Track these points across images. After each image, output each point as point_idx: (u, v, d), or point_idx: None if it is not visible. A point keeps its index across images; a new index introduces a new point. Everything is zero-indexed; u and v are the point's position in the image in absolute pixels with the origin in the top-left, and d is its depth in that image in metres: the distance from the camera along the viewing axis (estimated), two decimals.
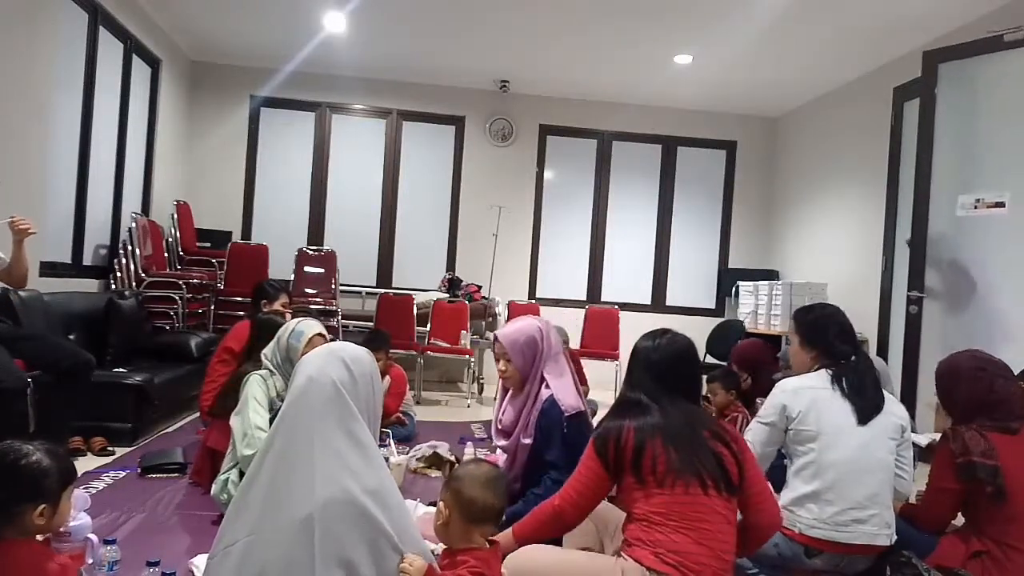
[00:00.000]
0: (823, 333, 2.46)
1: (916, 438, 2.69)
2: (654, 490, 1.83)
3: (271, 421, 2.64)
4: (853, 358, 2.39)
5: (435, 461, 3.58)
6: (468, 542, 1.77)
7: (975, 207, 4.24)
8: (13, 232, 3.14)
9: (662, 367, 2.01)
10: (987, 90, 4.26)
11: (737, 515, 1.92)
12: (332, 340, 2.68)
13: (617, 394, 2.16)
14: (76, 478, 1.76)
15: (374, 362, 1.83)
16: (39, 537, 1.69)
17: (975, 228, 4.20)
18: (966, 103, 4.32)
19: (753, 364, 4.13)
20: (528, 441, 2.58)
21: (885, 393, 2.38)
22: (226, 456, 2.78)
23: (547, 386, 2.56)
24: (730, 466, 1.88)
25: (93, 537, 2.10)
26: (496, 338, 2.66)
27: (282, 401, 2.69)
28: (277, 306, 4.01)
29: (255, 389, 2.75)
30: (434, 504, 2.64)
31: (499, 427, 2.72)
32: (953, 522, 2.37)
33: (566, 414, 2.48)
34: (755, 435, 2.39)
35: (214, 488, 2.73)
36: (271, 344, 2.93)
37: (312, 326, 2.89)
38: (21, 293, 3.69)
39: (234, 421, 2.71)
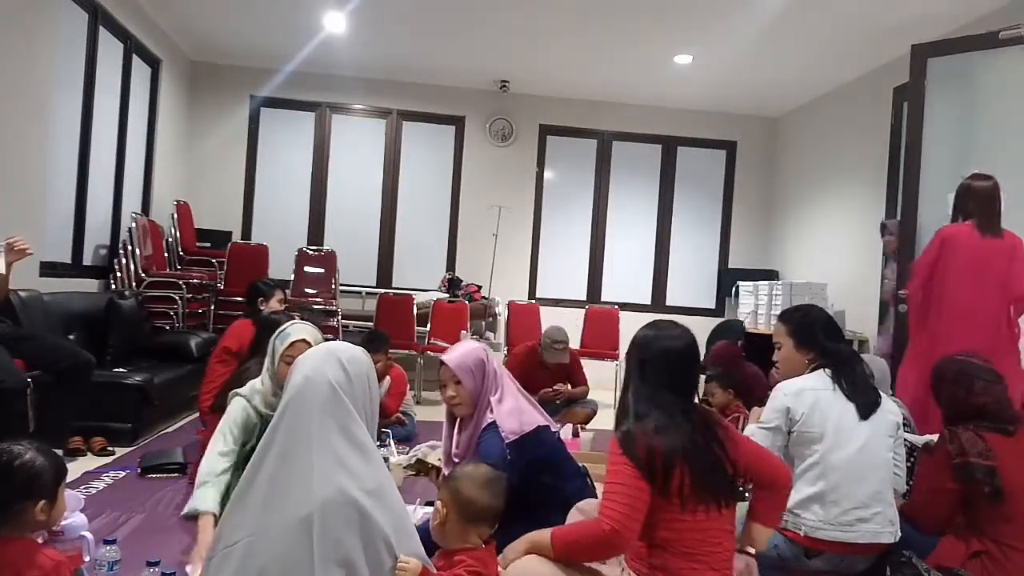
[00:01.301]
0: (815, 333, 2.45)
1: (913, 439, 2.70)
2: (677, 515, 1.76)
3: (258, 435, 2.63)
4: (840, 355, 2.39)
5: (421, 467, 3.51)
6: (465, 542, 1.78)
7: None
8: (11, 253, 3.10)
9: (678, 364, 1.91)
10: (980, 87, 4.26)
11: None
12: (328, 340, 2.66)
13: (621, 389, 2.01)
14: (67, 473, 1.80)
15: (370, 361, 1.83)
16: (39, 540, 1.71)
17: None
18: (959, 100, 4.31)
19: (729, 361, 4.27)
20: None
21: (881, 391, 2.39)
22: None
23: (491, 411, 2.49)
24: (733, 475, 1.85)
25: (88, 535, 2.11)
26: (443, 363, 2.57)
27: (268, 408, 2.68)
28: (274, 303, 4.00)
29: (233, 415, 2.68)
30: (432, 504, 2.63)
31: (455, 460, 2.66)
32: None
33: (507, 440, 2.39)
34: (758, 440, 2.37)
35: None
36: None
37: (300, 330, 2.80)
38: (21, 293, 3.70)
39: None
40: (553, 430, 2.65)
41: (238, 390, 2.78)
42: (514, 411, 2.51)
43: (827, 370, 2.36)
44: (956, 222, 3.41)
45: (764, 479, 1.96)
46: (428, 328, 6.37)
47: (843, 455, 2.22)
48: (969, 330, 3.18)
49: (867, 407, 2.28)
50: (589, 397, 5.05)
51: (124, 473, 3.40)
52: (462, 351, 2.59)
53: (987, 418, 2.27)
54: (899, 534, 2.22)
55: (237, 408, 2.70)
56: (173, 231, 6.45)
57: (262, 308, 3.94)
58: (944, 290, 3.30)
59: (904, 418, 2.70)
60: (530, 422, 2.49)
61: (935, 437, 2.58)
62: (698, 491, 1.76)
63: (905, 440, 2.53)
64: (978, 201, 3.33)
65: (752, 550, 2.04)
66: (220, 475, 2.49)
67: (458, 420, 2.63)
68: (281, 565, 1.54)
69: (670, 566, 1.77)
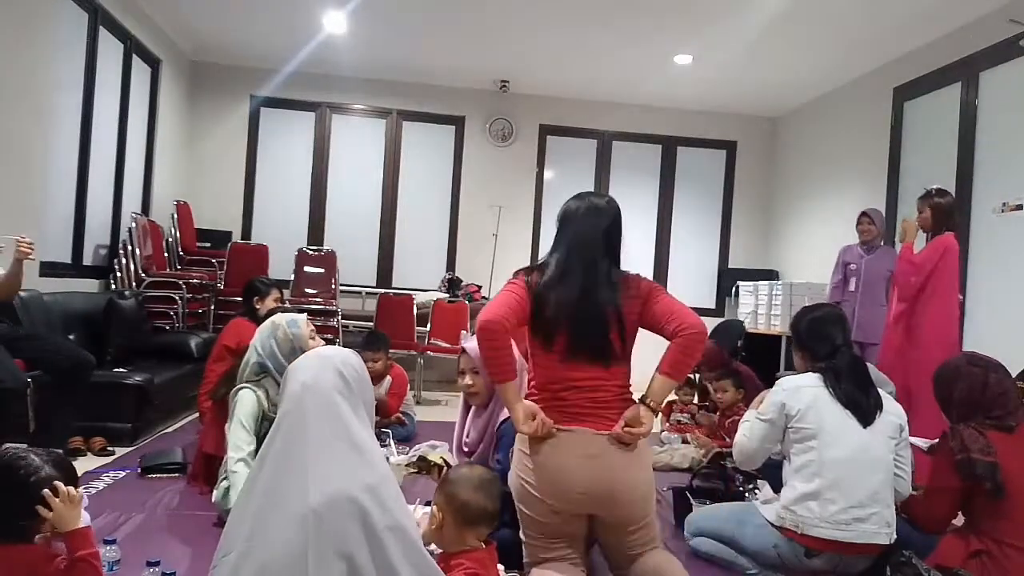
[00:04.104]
0: (800, 336, 2.52)
1: (917, 442, 2.70)
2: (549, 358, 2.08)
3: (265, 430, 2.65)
4: (837, 360, 2.39)
5: (423, 466, 3.49)
6: (462, 545, 1.77)
7: (1002, 210, 4.33)
8: (16, 252, 3.10)
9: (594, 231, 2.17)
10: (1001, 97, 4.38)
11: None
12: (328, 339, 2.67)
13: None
14: (78, 482, 1.79)
15: (361, 360, 1.84)
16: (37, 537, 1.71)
17: (1004, 229, 4.38)
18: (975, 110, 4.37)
19: (726, 364, 4.42)
20: (499, 466, 2.46)
21: (882, 392, 2.38)
22: (224, 463, 2.77)
23: None
24: (615, 342, 2.08)
25: None
26: (464, 351, 2.52)
27: (274, 406, 2.68)
28: (270, 302, 3.98)
29: (243, 408, 2.70)
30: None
31: (464, 449, 2.61)
32: (953, 521, 2.37)
33: None
34: (753, 431, 2.39)
35: (215, 494, 2.70)
36: (264, 343, 2.84)
37: (297, 315, 2.93)
38: (21, 293, 3.69)
39: (229, 433, 2.70)
40: None
41: (243, 384, 2.79)
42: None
43: (818, 373, 2.37)
44: (940, 233, 3.75)
45: (670, 330, 2.05)
46: (428, 328, 6.37)
47: (839, 453, 2.23)
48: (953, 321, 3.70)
49: (865, 415, 2.28)
50: None
51: (124, 473, 3.39)
52: None
53: (993, 414, 2.26)
54: (895, 536, 2.22)
55: (249, 398, 2.73)
56: (173, 231, 6.45)
57: (258, 307, 3.93)
58: (936, 291, 3.69)
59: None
60: None
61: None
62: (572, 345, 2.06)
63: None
64: (952, 216, 3.83)
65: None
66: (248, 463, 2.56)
67: (472, 409, 2.60)
68: (280, 562, 1.54)
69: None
